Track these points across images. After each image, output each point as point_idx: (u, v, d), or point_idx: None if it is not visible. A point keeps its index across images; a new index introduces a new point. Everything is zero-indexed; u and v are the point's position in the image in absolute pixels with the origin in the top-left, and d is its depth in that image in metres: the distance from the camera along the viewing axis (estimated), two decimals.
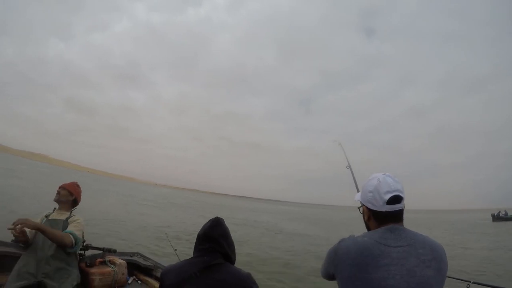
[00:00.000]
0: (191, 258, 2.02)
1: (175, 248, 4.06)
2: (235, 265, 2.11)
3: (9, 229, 2.85)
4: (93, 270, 3.49)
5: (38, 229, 2.99)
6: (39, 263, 3.07)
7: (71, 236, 3.19)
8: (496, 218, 52.85)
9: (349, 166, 3.16)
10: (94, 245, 3.79)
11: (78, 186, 3.69)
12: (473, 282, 2.73)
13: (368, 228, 1.75)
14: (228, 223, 2.20)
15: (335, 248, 1.65)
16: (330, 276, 1.73)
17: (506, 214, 54.05)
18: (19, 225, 2.83)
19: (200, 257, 1.97)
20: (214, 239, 2.00)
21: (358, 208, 1.85)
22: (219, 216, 2.16)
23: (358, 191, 2.98)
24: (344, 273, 1.58)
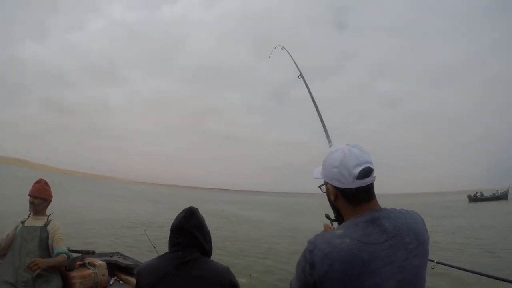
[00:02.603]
0: (166, 253, 1.95)
1: (155, 244, 4.05)
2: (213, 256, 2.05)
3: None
4: (73, 273, 3.45)
5: (49, 266, 3.15)
6: (17, 272, 3.04)
7: (65, 256, 3.32)
8: (473, 199, 54.96)
9: (301, 76, 2.85)
10: (72, 248, 3.76)
11: (46, 184, 3.57)
12: (437, 262, 2.70)
13: (336, 210, 1.53)
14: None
15: (309, 260, 1.36)
16: None
17: (482, 195, 56.40)
18: (38, 269, 2.99)
19: (175, 252, 1.89)
20: (188, 231, 1.91)
21: (320, 187, 1.58)
22: (192, 206, 2.05)
23: (317, 110, 2.68)
24: None
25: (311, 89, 2.80)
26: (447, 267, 2.94)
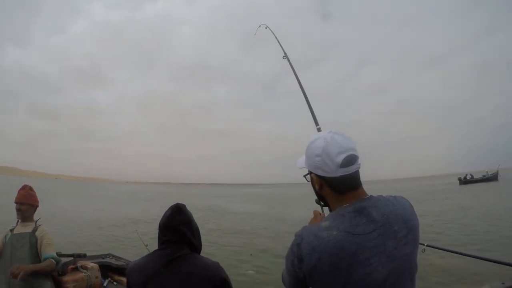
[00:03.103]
0: (155, 251, 1.93)
1: (146, 243, 4.05)
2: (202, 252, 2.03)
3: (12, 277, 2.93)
4: (66, 278, 3.45)
5: (33, 272, 3.06)
6: (10, 280, 3.02)
7: (53, 261, 3.26)
8: (463, 181, 56.01)
9: (285, 56, 2.76)
10: (63, 252, 3.74)
11: (31, 190, 3.53)
12: (427, 245, 2.72)
13: (322, 199, 1.48)
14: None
15: (297, 254, 1.33)
16: (299, 287, 1.40)
17: (472, 177, 57.50)
18: (20, 275, 2.91)
19: (164, 249, 1.87)
20: (176, 228, 1.89)
21: (305, 176, 1.54)
22: (179, 202, 2.02)
23: (303, 91, 2.60)
24: (322, 282, 1.29)
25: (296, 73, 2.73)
26: (438, 249, 2.97)
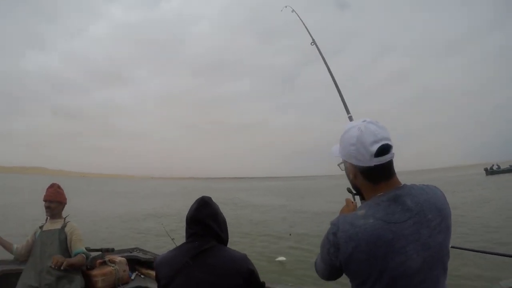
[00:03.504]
0: (183, 244, 1.94)
1: (173, 237, 4.08)
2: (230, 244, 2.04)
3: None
4: (95, 272, 3.51)
5: (70, 266, 3.16)
6: (40, 275, 3.11)
7: (83, 256, 3.37)
8: (490, 172, 54.27)
9: (314, 43, 2.70)
10: (92, 247, 3.82)
11: (59, 188, 3.62)
12: (451, 247, 2.59)
13: (356, 188, 1.51)
14: None
15: (333, 242, 1.35)
16: (333, 276, 1.47)
17: (499, 167, 55.84)
18: (64, 264, 3.07)
19: (191, 242, 1.89)
20: (203, 222, 1.90)
21: (339, 165, 1.56)
22: (205, 195, 2.04)
23: (333, 78, 2.55)
24: (358, 270, 1.32)
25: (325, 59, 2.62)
26: (463, 250, 2.84)
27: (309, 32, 2.68)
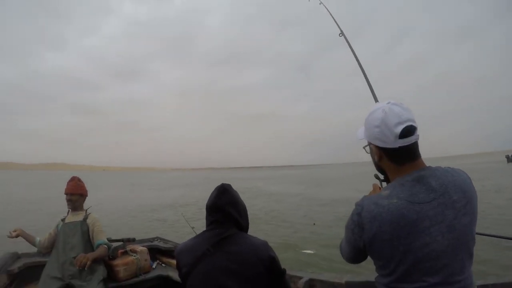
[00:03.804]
0: (203, 232, 1.92)
1: (192, 226, 4.09)
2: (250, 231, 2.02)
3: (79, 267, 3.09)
4: (116, 262, 3.54)
5: (94, 259, 3.20)
6: (63, 266, 3.17)
7: (105, 246, 3.43)
8: (511, 159, 53.04)
9: (342, 34, 2.70)
10: (113, 237, 3.87)
11: (80, 180, 3.68)
12: (477, 233, 2.47)
13: (381, 170, 1.51)
14: None
15: (358, 222, 1.37)
16: (358, 258, 1.49)
17: None
18: (84, 260, 3.09)
19: (211, 230, 1.87)
20: (222, 209, 1.88)
21: (364, 147, 1.57)
22: (225, 183, 2.01)
23: (359, 64, 2.61)
24: (381, 250, 1.32)
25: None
26: (486, 236, 2.73)
27: (337, 24, 2.68)
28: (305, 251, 8.86)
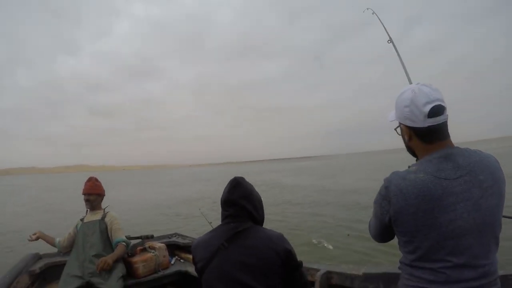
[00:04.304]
0: (218, 226, 1.92)
1: (210, 221, 4.10)
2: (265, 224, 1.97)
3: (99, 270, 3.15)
4: (135, 259, 3.57)
5: (115, 260, 3.28)
6: (83, 265, 3.24)
7: (124, 244, 3.50)
8: None
9: (390, 40, 2.85)
10: (132, 235, 3.92)
11: (97, 181, 3.74)
12: (503, 216, 2.38)
13: (411, 151, 1.54)
14: None
15: (384, 196, 1.41)
16: (384, 235, 1.52)
17: None
18: (105, 265, 3.15)
19: (226, 224, 1.86)
20: (236, 203, 1.87)
21: (395, 129, 1.59)
22: (238, 176, 1.99)
23: (406, 74, 2.70)
24: (406, 224, 1.34)
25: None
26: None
27: (386, 31, 2.83)
28: (325, 244, 8.81)
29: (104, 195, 3.78)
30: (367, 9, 3.26)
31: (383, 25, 2.90)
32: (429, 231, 1.29)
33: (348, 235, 9.22)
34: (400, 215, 1.35)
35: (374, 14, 3.11)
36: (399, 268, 1.47)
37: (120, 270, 3.29)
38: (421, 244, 1.32)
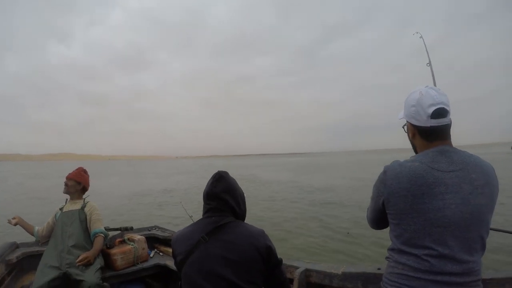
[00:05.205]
0: (199, 220, 1.90)
1: (191, 214, 4.07)
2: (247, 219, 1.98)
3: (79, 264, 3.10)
4: (114, 250, 3.56)
5: (94, 255, 3.26)
6: (61, 255, 3.19)
7: (102, 236, 3.47)
8: None
9: (429, 64, 2.99)
10: (111, 226, 3.88)
11: (84, 172, 3.72)
12: (490, 229, 2.35)
13: (414, 147, 1.66)
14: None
15: (382, 179, 1.52)
16: (378, 220, 1.63)
17: None
18: (86, 261, 3.13)
19: (208, 218, 1.85)
20: (218, 196, 1.86)
21: (403, 127, 1.72)
22: (221, 170, 1.98)
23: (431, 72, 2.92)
24: (397, 206, 1.45)
25: None
26: (499, 232, 2.65)
27: (428, 55, 2.94)
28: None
29: (86, 187, 3.74)
30: (417, 32, 3.42)
31: (426, 49, 3.02)
32: (417, 215, 1.40)
33: (348, 233, 9.31)
34: (392, 196, 1.47)
35: (422, 39, 3.27)
36: (387, 258, 1.56)
37: (98, 261, 3.26)
38: (408, 227, 1.42)
